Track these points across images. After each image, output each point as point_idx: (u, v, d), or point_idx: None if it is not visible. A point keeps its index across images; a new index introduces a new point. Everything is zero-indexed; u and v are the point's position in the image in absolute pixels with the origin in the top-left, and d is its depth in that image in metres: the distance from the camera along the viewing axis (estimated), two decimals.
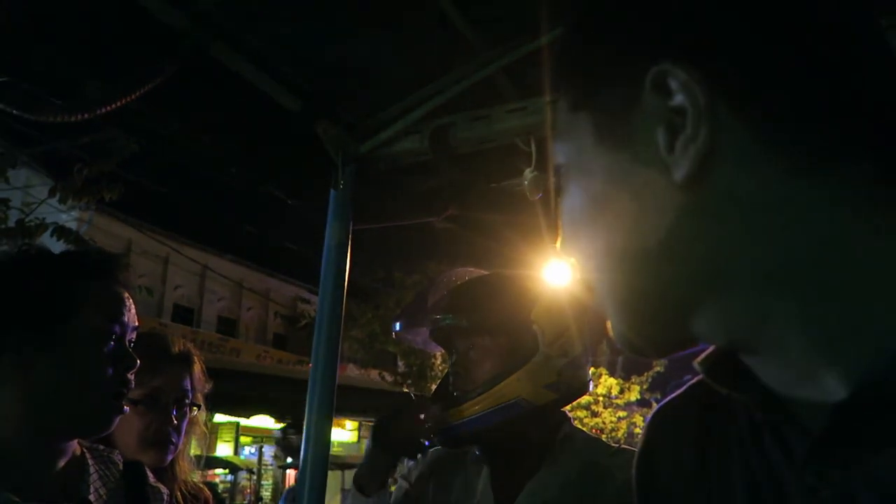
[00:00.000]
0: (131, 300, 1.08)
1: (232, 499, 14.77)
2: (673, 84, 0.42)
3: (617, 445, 1.31)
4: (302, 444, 1.79)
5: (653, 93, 0.44)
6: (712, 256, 0.43)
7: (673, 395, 0.62)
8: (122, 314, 1.04)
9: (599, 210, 0.48)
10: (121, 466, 1.13)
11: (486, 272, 1.49)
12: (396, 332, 1.51)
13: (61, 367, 0.97)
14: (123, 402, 1.02)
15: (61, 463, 1.02)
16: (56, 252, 1.08)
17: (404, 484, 1.42)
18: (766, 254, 0.41)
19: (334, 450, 17.20)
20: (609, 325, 0.51)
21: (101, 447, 1.14)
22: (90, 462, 1.07)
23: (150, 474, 1.17)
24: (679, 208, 0.43)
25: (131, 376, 1.04)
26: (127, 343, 1.05)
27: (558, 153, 0.52)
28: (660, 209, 0.44)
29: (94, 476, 1.05)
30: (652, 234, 0.45)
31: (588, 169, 0.49)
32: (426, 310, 1.42)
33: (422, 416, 1.30)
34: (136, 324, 1.08)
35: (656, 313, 0.47)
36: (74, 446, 1.06)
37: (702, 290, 0.44)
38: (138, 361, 1.04)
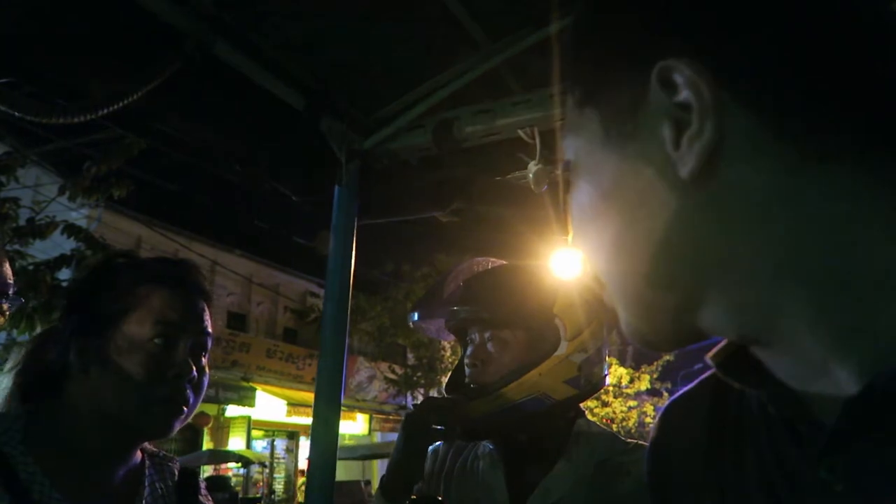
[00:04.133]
0: (203, 308, 1.06)
1: (245, 492, 14.89)
2: (678, 79, 0.42)
3: (633, 441, 1.28)
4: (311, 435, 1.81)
5: (658, 89, 0.43)
6: (722, 251, 0.43)
7: (685, 388, 0.61)
8: (176, 320, 1.01)
9: (608, 206, 0.47)
10: (177, 476, 1.12)
11: (506, 262, 1.45)
12: (414, 322, 1.46)
13: (112, 372, 0.97)
14: (179, 408, 1.00)
15: (122, 471, 1.02)
16: (68, 250, 1.09)
17: (419, 484, 1.41)
18: (776, 247, 0.41)
19: (346, 441, 17.30)
20: (619, 318, 0.51)
21: (163, 452, 1.14)
22: (147, 472, 1.07)
23: (202, 485, 1.16)
24: (687, 203, 0.43)
25: (187, 384, 1.00)
26: (185, 348, 1.01)
27: (566, 149, 0.52)
28: (668, 204, 0.44)
29: (147, 490, 1.05)
30: (660, 230, 0.44)
31: (596, 165, 0.48)
32: (445, 299, 1.38)
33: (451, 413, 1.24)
34: (209, 331, 1.06)
35: (667, 307, 0.46)
36: (136, 454, 1.06)
37: (712, 284, 0.44)
38: (193, 370, 1.01)
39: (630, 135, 0.45)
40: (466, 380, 1.31)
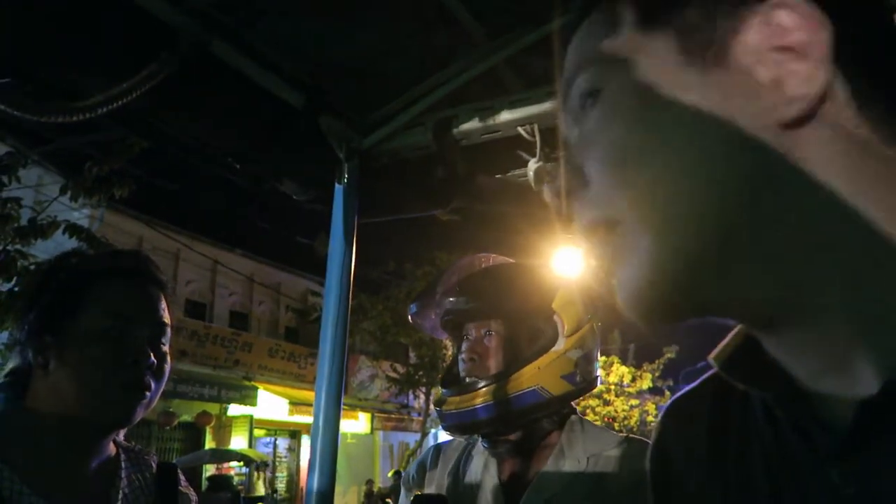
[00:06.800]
0: (158, 298, 1.09)
1: (248, 491, 14.90)
2: (789, 20, 0.40)
3: (624, 435, 1.29)
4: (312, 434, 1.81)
5: (764, 26, 0.41)
6: (786, 209, 0.40)
7: (686, 388, 0.61)
8: (130, 310, 1.04)
9: (672, 133, 0.43)
10: (154, 469, 1.13)
11: (507, 259, 1.46)
12: (413, 314, 1.47)
13: (69, 365, 0.99)
14: (140, 393, 1.01)
15: (94, 464, 1.03)
16: (69, 251, 1.11)
17: (408, 495, 1.40)
18: (835, 218, 0.40)
19: (348, 441, 17.25)
20: (621, 283, 0.46)
21: (138, 447, 1.16)
22: (122, 465, 1.08)
23: (182, 478, 1.17)
24: (768, 150, 0.41)
25: (146, 370, 1.02)
26: (142, 337, 1.03)
27: (602, 74, 0.47)
28: (748, 145, 0.41)
29: (125, 482, 1.06)
30: (729, 170, 0.41)
31: (665, 89, 0.44)
32: (444, 292, 1.39)
33: None
34: (166, 320, 1.08)
35: (697, 261, 0.42)
36: (109, 447, 1.07)
37: (757, 242, 0.41)
38: (151, 356, 1.03)
39: (720, 64, 0.42)
40: (462, 374, 1.31)
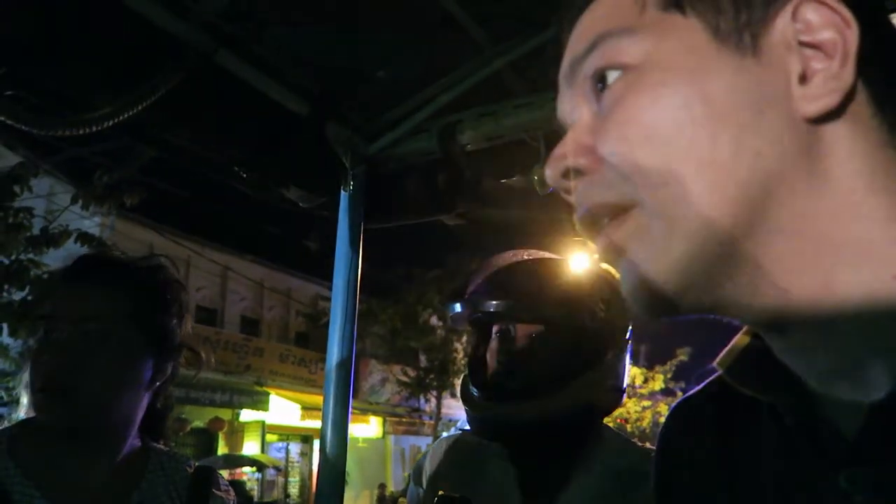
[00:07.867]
0: (87, 293, 1.04)
1: (261, 496, 14.93)
2: (816, 17, 0.41)
3: (653, 448, 1.25)
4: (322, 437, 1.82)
5: (793, 20, 0.41)
6: (804, 206, 0.40)
7: (688, 393, 0.60)
8: (50, 311, 1.03)
9: (703, 114, 0.41)
10: (189, 472, 1.13)
11: (558, 257, 1.33)
12: (454, 315, 1.32)
13: None
14: (46, 395, 0.98)
15: (110, 467, 1.04)
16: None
17: (417, 490, 1.35)
18: (857, 218, 0.40)
19: (359, 445, 17.21)
20: (628, 271, 0.44)
21: (174, 451, 1.17)
22: (148, 467, 1.09)
23: (221, 481, 1.16)
24: (794, 143, 0.40)
25: (60, 369, 0.98)
26: (63, 334, 1.00)
27: (626, 49, 0.45)
28: (776, 137, 0.41)
29: (146, 484, 1.06)
30: (755, 161, 0.40)
31: (697, 69, 0.43)
32: (488, 289, 1.26)
33: None
34: (88, 314, 1.02)
35: (711, 252, 0.41)
36: (126, 451, 1.07)
37: (774, 237, 0.41)
38: (43, 353, 1.00)
39: (751, 51, 0.42)
40: (500, 377, 1.21)
